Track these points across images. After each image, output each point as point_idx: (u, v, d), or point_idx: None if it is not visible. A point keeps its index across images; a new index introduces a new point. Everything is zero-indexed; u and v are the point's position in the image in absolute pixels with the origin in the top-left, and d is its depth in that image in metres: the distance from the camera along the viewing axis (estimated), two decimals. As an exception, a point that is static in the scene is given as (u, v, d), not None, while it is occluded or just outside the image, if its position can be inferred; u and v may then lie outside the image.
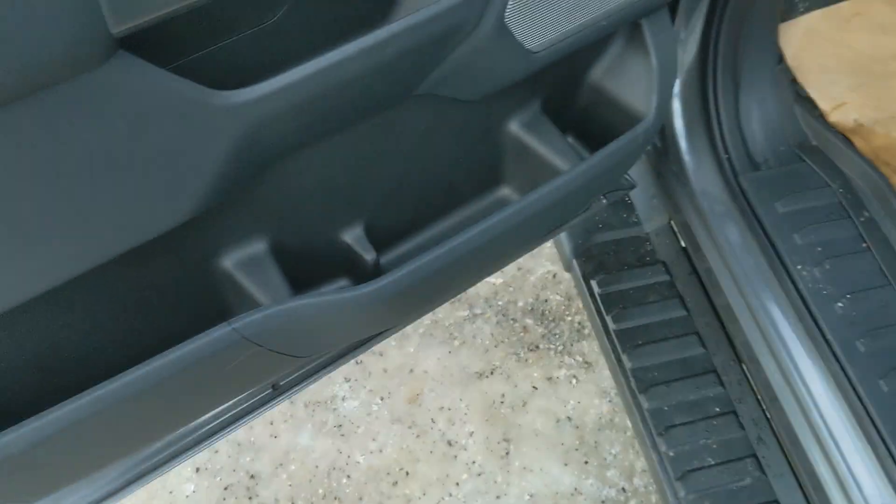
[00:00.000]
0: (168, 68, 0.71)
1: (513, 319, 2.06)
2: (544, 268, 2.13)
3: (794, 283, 1.24)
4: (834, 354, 1.18)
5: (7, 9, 0.56)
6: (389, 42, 0.83)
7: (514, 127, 1.14)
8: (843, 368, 1.16)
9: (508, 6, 0.89)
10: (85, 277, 0.79)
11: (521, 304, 2.08)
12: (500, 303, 2.08)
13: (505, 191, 1.23)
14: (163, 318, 0.98)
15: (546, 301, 2.08)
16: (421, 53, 0.88)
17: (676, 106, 1.39)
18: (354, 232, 1.08)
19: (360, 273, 1.10)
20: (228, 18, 0.78)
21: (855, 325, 1.19)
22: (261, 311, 0.93)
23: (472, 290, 2.09)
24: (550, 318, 2.05)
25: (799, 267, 1.25)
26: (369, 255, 1.08)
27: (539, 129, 1.14)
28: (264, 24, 0.81)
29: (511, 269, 2.13)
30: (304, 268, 1.06)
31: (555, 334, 2.03)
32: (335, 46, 0.81)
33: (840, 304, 1.21)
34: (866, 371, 1.16)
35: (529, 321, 2.05)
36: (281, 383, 1.28)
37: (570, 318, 2.05)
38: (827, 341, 1.19)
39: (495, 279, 2.11)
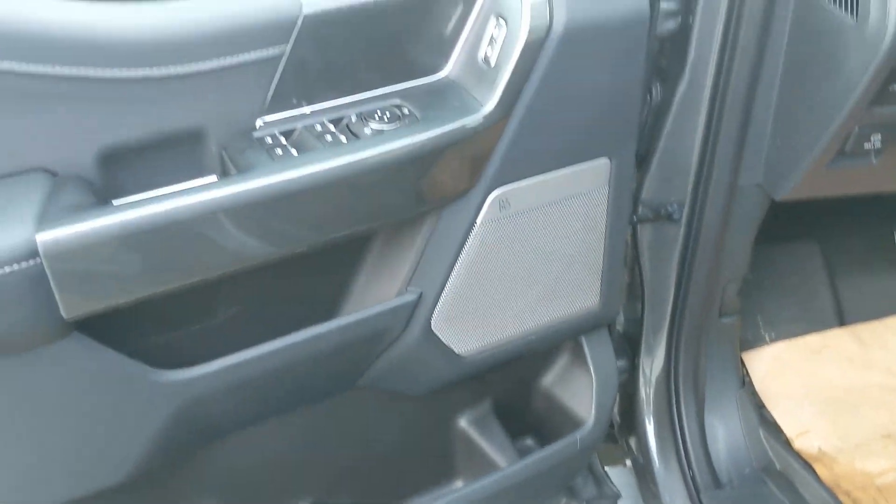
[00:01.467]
0: (121, 347, 0.87)
1: None
2: (552, 578, 2.07)
3: None
4: None
5: None
6: (321, 339, 0.98)
7: (464, 423, 1.25)
8: None
9: (434, 315, 1.04)
10: None
11: None
12: None
13: (458, 484, 1.30)
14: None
15: None
16: (354, 350, 1.02)
17: (650, 420, 1.47)
18: (302, 507, 1.17)
19: None
20: (183, 311, 0.95)
21: None
22: None
23: None
24: None
25: (751, 593, 1.23)
26: None
27: (486, 427, 1.24)
28: (215, 320, 0.98)
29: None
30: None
31: None
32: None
33: None
34: None
35: None
36: None
37: None
38: None
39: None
